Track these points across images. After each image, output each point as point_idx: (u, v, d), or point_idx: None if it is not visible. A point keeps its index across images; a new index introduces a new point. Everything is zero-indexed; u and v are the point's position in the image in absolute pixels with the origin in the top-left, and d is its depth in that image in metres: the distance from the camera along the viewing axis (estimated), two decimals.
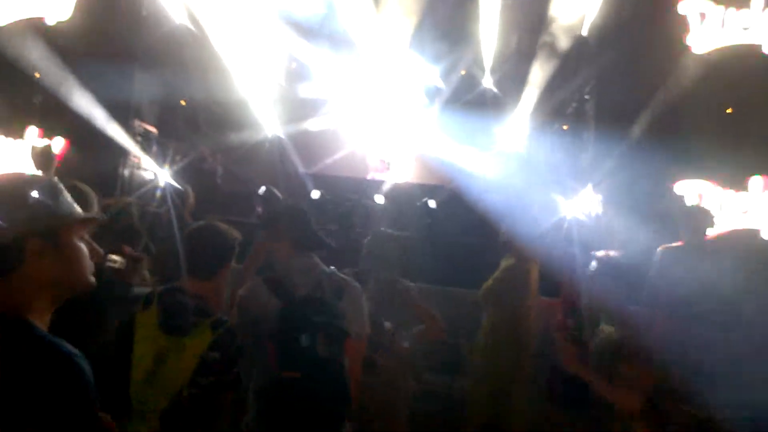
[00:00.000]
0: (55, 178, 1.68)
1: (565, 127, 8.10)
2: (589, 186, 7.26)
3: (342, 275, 3.21)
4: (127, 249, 2.87)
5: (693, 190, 6.87)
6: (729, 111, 6.99)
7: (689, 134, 6.84)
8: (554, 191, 7.02)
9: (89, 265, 1.56)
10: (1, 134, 8.28)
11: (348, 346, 2.74)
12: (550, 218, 6.32)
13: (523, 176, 6.93)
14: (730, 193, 6.85)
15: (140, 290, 2.56)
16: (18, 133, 8.28)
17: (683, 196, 6.83)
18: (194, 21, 7.83)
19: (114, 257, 2.59)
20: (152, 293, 2.44)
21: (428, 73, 8.18)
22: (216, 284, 2.53)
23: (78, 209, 1.57)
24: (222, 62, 7.76)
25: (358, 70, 8.04)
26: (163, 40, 8.02)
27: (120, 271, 2.66)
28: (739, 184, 6.79)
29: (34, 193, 1.49)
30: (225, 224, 2.67)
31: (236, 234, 2.65)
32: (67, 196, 1.56)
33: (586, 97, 7.79)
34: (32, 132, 8.22)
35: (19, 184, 1.50)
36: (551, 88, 7.71)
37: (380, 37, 7.67)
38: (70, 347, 1.41)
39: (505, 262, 4.67)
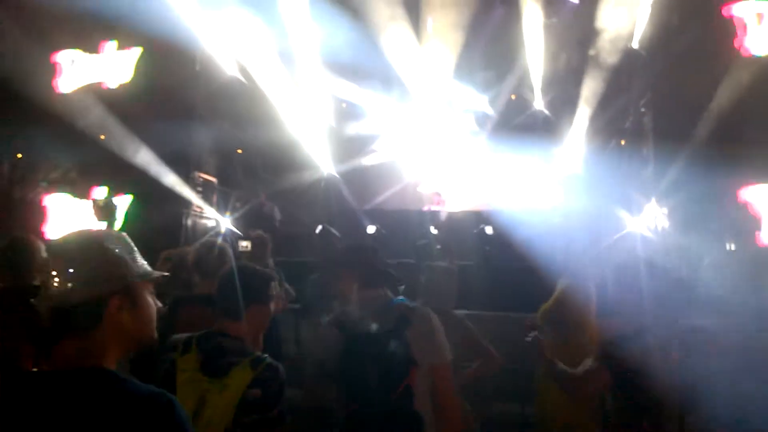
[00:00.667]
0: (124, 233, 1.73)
1: (622, 142, 7.92)
2: (653, 200, 7.04)
3: (410, 304, 3.17)
4: None
5: (760, 195, 6.54)
6: None
7: (752, 139, 6.58)
8: (616, 208, 6.83)
9: (155, 319, 1.60)
10: (70, 194, 8.65)
11: (414, 374, 2.69)
12: (612, 235, 6.16)
13: (581, 195, 6.78)
14: None
15: (178, 336, 2.59)
16: (85, 193, 8.64)
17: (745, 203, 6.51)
18: (244, 72, 8.11)
19: None
20: (191, 337, 2.48)
21: (477, 101, 8.19)
22: (248, 323, 2.55)
23: (148, 266, 1.62)
24: (273, 109, 7.99)
25: (406, 104, 8.13)
26: (217, 93, 8.33)
27: None
28: None
29: (115, 250, 1.54)
30: (258, 266, 2.72)
31: (268, 274, 2.68)
32: (138, 252, 1.61)
33: (642, 110, 7.61)
34: (98, 191, 8.56)
35: (96, 242, 1.54)
36: (605, 104, 7.59)
37: (426, 71, 7.75)
38: (160, 390, 1.44)
39: (561, 283, 4.56)
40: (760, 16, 6.75)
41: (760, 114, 6.62)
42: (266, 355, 2.48)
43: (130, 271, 1.54)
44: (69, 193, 8.62)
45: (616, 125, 7.82)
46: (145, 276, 1.58)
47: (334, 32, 8.17)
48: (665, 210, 7.00)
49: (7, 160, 8.56)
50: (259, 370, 2.36)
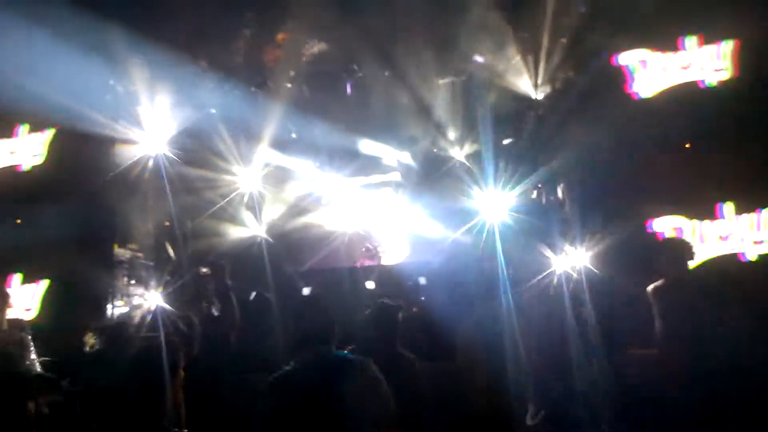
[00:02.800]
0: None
1: (540, 186, 8.35)
2: (573, 240, 7.41)
3: (350, 357, 3.23)
4: None
5: (669, 225, 7.06)
6: (687, 146, 7.30)
7: (655, 174, 7.11)
8: (539, 250, 7.15)
9: None
10: None
11: None
12: (537, 276, 6.46)
13: (505, 240, 7.08)
14: (705, 224, 7.03)
15: None
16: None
17: (660, 233, 7.00)
18: (164, 148, 8.12)
19: None
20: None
21: (400, 157, 8.52)
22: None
23: None
24: (199, 181, 8.01)
25: (331, 165, 8.36)
26: (136, 169, 8.26)
27: None
28: (710, 214, 6.98)
29: None
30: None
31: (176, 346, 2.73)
32: None
33: (550, 155, 8.09)
34: (14, 279, 8.21)
35: None
36: (515, 152, 8.04)
37: (346, 134, 8.04)
38: None
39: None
40: (643, 62, 7.46)
41: (658, 149, 7.17)
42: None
43: None
44: None
45: (532, 170, 8.26)
46: None
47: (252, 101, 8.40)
48: (585, 248, 7.38)
49: None
50: None
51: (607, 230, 6.96)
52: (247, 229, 8.43)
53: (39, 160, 8.43)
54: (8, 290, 4.47)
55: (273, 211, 8.57)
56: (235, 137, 8.24)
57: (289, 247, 8.33)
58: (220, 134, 8.10)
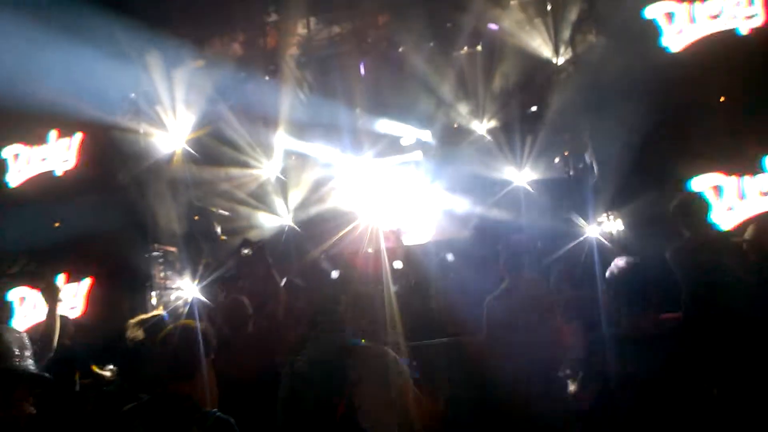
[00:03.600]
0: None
1: (566, 153, 8.11)
2: (604, 206, 7.19)
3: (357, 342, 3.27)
4: None
5: (707, 183, 6.73)
6: (722, 99, 6.94)
7: (689, 132, 6.79)
8: (569, 218, 6.97)
9: None
10: (31, 287, 8.56)
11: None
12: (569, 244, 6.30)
13: (534, 210, 6.92)
14: (746, 179, 6.69)
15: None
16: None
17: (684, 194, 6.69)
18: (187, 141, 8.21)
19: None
20: (139, 404, 2.49)
21: (420, 134, 8.40)
22: (198, 381, 2.55)
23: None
24: (223, 172, 8.09)
25: (352, 148, 8.30)
26: (164, 165, 8.39)
27: None
28: (751, 169, 6.63)
29: None
30: (201, 323, 2.74)
31: (210, 331, 2.71)
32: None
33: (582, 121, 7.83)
34: (58, 279, 8.48)
35: None
36: (542, 120, 7.80)
37: (365, 113, 7.96)
38: None
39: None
40: (668, 15, 7.07)
41: (691, 106, 6.85)
42: (215, 410, 2.49)
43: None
44: (30, 285, 8.54)
45: (556, 139, 8.03)
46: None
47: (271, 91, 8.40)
48: (617, 213, 7.14)
49: None
50: (208, 426, 2.37)
51: (641, 194, 6.69)
52: (274, 216, 8.48)
53: (70, 164, 8.63)
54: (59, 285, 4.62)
55: (297, 198, 8.58)
56: (254, 126, 8.26)
57: (315, 232, 8.34)
58: (240, 124, 8.13)
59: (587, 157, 7.55)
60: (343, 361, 3.00)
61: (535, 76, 7.71)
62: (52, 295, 3.86)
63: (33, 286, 8.48)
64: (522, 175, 7.78)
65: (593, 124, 7.45)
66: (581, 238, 6.72)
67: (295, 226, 8.36)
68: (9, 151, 8.81)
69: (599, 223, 7.09)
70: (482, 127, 8.25)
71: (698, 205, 4.71)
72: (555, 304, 4.93)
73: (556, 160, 7.92)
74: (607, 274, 3.57)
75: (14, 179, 8.74)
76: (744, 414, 3.30)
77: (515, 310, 4.63)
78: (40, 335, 3.77)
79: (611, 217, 7.14)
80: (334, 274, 7.37)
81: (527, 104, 7.86)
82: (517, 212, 7.07)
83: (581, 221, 6.97)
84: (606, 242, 6.79)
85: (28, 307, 8.44)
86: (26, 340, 2.15)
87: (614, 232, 7.12)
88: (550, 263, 6.10)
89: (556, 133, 7.74)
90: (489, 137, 8.11)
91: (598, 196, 7.23)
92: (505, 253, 4.94)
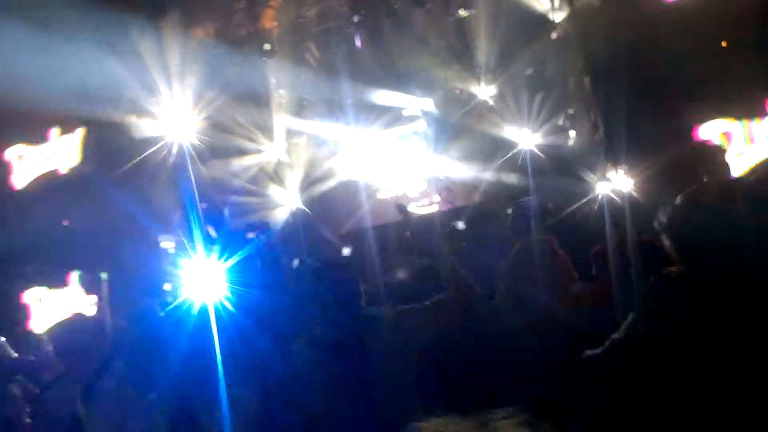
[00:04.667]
0: None
1: (570, 112, 8.01)
2: (614, 162, 7.11)
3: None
4: None
5: (716, 130, 6.64)
6: (723, 44, 6.81)
7: (694, 79, 6.68)
8: (577, 176, 6.90)
9: None
10: (45, 286, 8.61)
11: None
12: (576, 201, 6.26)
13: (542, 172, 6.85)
14: (754, 123, 6.59)
15: None
16: (61, 282, 8.60)
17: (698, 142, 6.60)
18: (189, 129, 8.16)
19: None
20: None
21: (421, 103, 8.32)
22: None
23: None
24: (226, 157, 8.07)
25: (355, 123, 8.24)
26: (165, 153, 8.36)
27: None
28: (758, 112, 6.53)
29: None
30: None
31: None
32: None
33: (581, 76, 7.71)
34: (73, 277, 8.53)
35: None
36: (545, 79, 7.70)
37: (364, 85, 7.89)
38: None
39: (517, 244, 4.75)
40: None
41: (691, 53, 6.73)
42: None
43: None
44: (45, 284, 8.61)
45: (560, 97, 7.92)
46: None
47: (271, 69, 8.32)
48: (626, 168, 7.07)
49: None
50: None
51: (649, 146, 6.61)
52: (282, 198, 8.47)
53: (74, 161, 8.64)
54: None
55: (303, 178, 8.55)
56: (255, 109, 8.21)
57: (325, 211, 8.33)
58: (241, 108, 8.08)
59: (592, 114, 7.46)
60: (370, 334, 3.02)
61: (533, 35, 7.57)
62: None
63: (48, 286, 8.56)
64: (527, 137, 7.70)
65: (595, 80, 7.35)
66: (591, 196, 6.66)
67: (304, 207, 8.34)
68: (12, 152, 8.81)
69: (608, 180, 7.01)
70: (484, 91, 8.15)
71: (715, 150, 4.66)
72: (567, 263, 4.90)
73: (560, 120, 7.82)
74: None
75: (20, 180, 8.76)
76: None
77: (527, 271, 4.63)
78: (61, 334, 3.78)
79: (620, 171, 7.06)
80: (346, 251, 7.36)
81: (527, 65, 7.74)
82: (523, 175, 7.01)
83: (590, 177, 6.90)
84: (617, 198, 6.72)
85: (45, 307, 8.51)
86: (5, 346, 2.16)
87: (624, 187, 7.04)
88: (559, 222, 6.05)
89: (559, 93, 7.64)
90: (491, 102, 8.02)
91: (605, 151, 7.15)
92: (512, 216, 4.97)
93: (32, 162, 8.76)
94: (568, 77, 7.68)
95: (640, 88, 6.82)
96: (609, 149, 7.15)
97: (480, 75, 8.03)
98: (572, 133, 7.67)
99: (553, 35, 7.62)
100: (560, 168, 6.89)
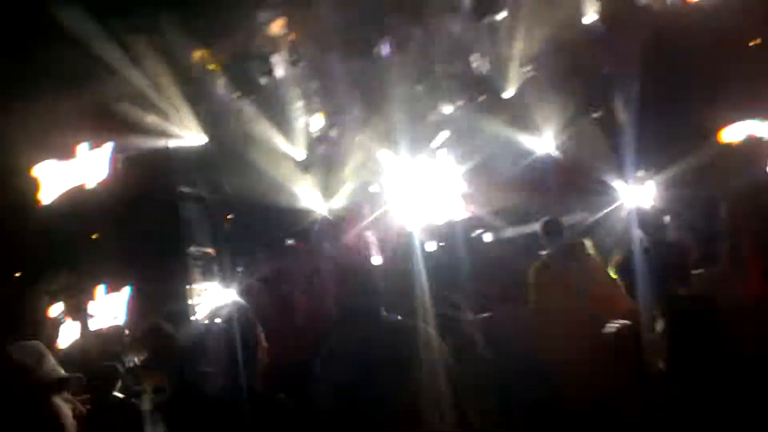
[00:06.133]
0: None
1: (595, 116, 7.94)
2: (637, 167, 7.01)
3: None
4: None
5: (743, 131, 6.54)
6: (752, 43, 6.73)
7: (722, 79, 6.61)
8: (603, 181, 6.83)
9: None
10: (73, 301, 8.65)
11: None
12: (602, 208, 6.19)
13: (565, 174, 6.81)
14: None
15: None
16: (89, 297, 8.61)
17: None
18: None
19: None
20: None
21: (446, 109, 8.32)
22: None
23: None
24: (250, 166, 8.12)
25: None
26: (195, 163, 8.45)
27: None
28: None
29: None
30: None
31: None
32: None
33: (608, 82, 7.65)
34: (99, 291, 8.54)
35: None
36: (569, 81, 7.66)
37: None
38: None
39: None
40: None
41: (720, 55, 6.66)
42: None
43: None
44: (72, 300, 8.64)
45: (584, 99, 7.87)
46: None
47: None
48: (651, 173, 6.97)
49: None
50: None
51: (675, 148, 6.52)
52: (308, 205, 8.50)
53: (103, 175, 8.72)
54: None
55: (330, 185, 8.59)
56: (282, 118, 8.27)
57: (349, 219, 8.31)
58: (267, 116, 8.14)
59: (617, 115, 7.40)
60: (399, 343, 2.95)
61: (563, 38, 7.54)
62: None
63: (77, 301, 8.60)
64: (551, 140, 7.68)
65: (621, 81, 7.28)
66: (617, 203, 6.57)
67: (329, 215, 8.36)
68: (41, 169, 8.93)
69: (633, 183, 6.91)
70: (508, 95, 8.13)
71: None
72: (597, 266, 4.82)
73: (587, 119, 7.77)
74: None
75: (48, 196, 8.86)
76: None
77: (560, 275, 4.56)
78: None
79: (644, 175, 6.96)
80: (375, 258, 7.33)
81: (553, 68, 7.70)
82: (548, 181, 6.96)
83: (615, 182, 6.81)
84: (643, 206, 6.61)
85: (71, 322, 8.54)
86: (41, 348, 2.17)
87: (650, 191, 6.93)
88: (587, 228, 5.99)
89: (584, 94, 7.61)
90: (516, 105, 7.99)
91: (630, 154, 7.05)
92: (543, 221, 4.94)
93: (60, 177, 8.87)
94: (595, 78, 7.63)
95: (667, 87, 6.77)
96: (633, 150, 7.06)
97: (505, 78, 8.00)
98: (596, 135, 7.60)
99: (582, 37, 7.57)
100: (585, 171, 6.82)
